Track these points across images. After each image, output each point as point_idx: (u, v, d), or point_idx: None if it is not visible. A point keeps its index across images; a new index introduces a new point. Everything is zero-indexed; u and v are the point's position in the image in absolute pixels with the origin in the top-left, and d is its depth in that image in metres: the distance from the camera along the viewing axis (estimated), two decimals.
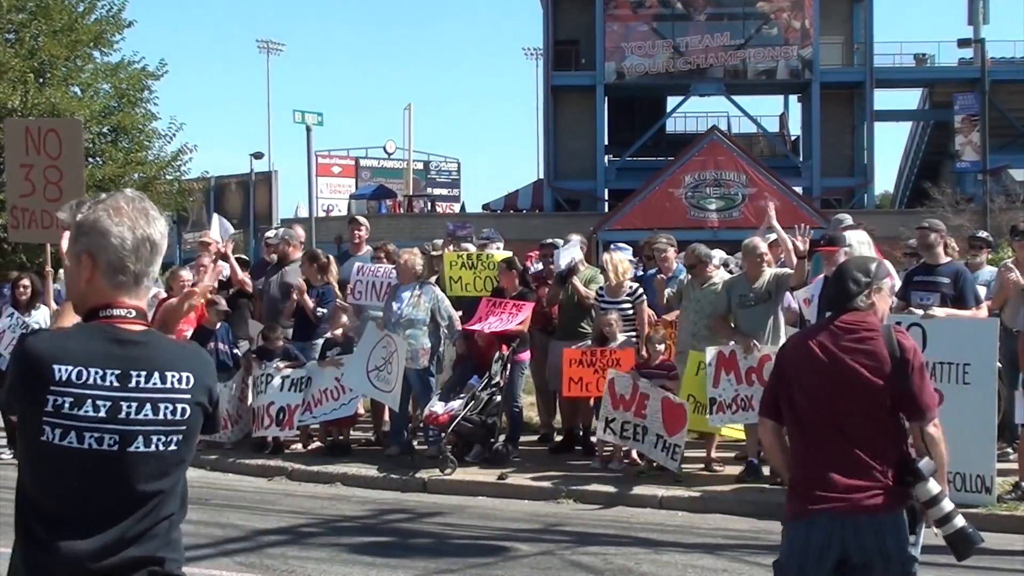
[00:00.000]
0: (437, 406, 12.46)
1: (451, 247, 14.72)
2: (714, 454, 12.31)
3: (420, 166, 72.86)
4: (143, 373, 3.27)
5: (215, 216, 17.91)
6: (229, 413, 13.82)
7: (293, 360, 13.67)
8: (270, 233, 15.95)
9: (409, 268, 12.96)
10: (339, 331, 13.58)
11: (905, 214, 46.36)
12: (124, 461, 3.24)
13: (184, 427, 3.31)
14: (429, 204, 63.93)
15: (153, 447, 3.26)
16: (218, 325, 13.91)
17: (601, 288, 12.98)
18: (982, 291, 11.87)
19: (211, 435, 13.29)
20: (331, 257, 14.54)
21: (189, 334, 13.96)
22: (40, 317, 13.59)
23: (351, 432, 14.06)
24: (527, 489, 11.79)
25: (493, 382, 12.59)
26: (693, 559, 9.16)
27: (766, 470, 11.47)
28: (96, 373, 3.22)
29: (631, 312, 12.79)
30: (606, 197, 57.34)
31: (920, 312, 10.70)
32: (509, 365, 12.77)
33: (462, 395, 12.57)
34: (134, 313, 3.35)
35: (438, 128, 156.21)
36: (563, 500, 11.43)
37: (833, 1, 56.80)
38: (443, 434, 12.40)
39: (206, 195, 62.87)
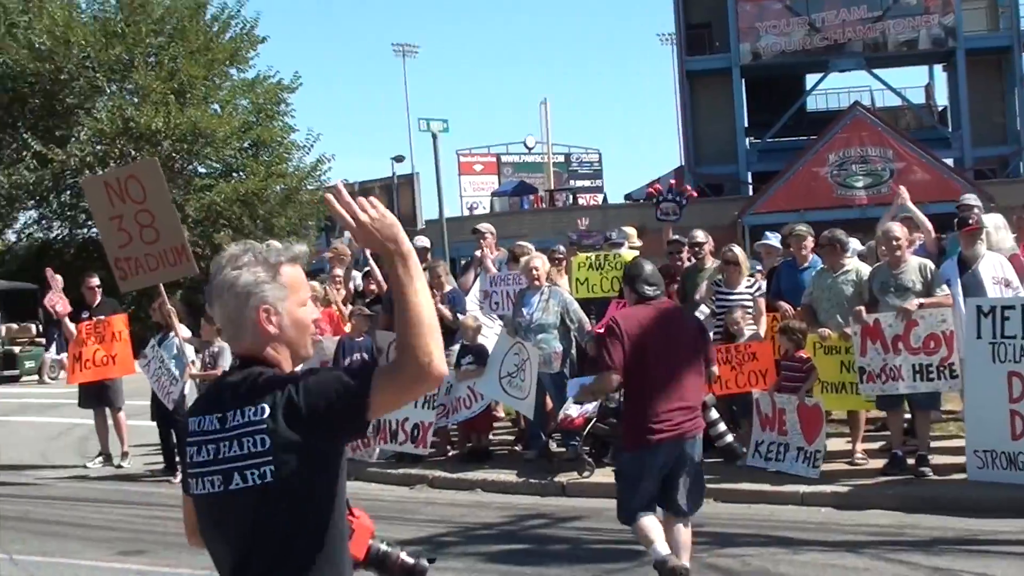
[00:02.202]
0: (572, 409, 12.38)
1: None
2: (859, 446, 11.99)
3: (561, 159, 72.82)
4: (234, 412, 3.34)
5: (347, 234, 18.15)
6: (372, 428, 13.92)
7: None
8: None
9: (533, 273, 12.90)
10: (471, 335, 13.57)
11: None
12: (230, 500, 3.33)
13: (270, 456, 3.27)
14: (571, 197, 63.86)
15: (249, 482, 3.29)
16: (362, 336, 14.01)
17: (718, 281, 12.77)
18: None
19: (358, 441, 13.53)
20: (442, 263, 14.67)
21: (330, 344, 14.15)
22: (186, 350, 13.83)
23: (490, 436, 14.12)
24: None
25: None
26: (833, 558, 8.95)
27: (911, 461, 11.19)
28: (205, 420, 3.39)
29: (750, 305, 12.58)
30: (749, 180, 56.55)
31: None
32: None
33: None
34: (238, 362, 3.50)
35: (578, 119, 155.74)
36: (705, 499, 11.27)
37: None
38: (579, 437, 12.33)
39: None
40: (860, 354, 11.38)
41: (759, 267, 13.92)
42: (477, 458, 13.50)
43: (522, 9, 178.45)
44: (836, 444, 12.20)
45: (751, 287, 12.68)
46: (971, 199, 13.30)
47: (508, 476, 12.65)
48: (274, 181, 34.84)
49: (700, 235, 13.34)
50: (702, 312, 12.62)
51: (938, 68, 60.53)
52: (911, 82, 61.94)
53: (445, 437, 14.08)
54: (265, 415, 3.28)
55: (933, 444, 11.73)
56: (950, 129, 56.74)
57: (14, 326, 30.68)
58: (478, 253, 14.98)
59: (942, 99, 61.01)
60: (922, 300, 11.16)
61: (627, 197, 61.01)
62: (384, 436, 13.74)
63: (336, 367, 12.99)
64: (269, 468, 3.26)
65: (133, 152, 32.97)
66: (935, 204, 13.45)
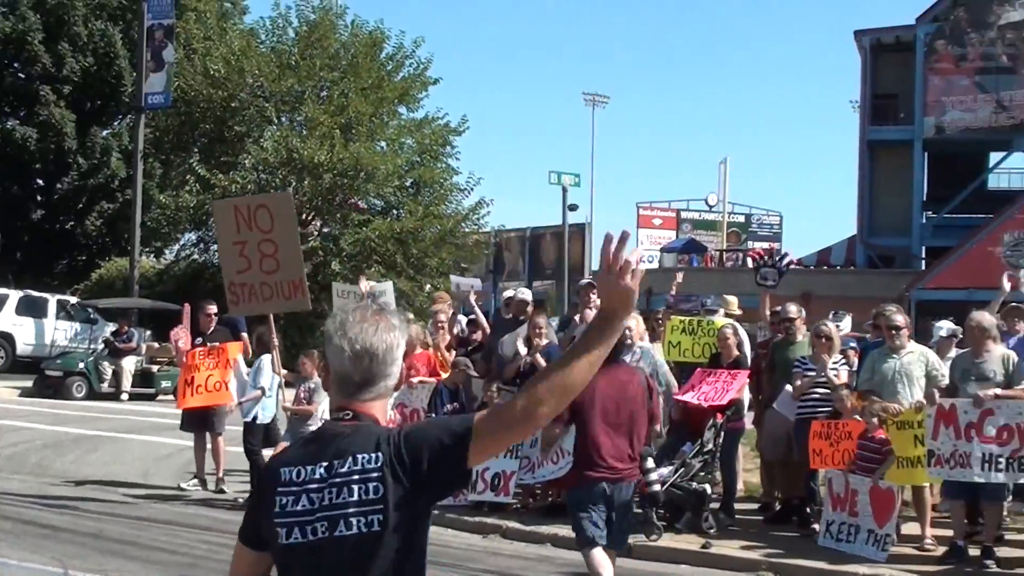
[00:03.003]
0: (651, 474, 12.38)
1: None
2: (928, 531, 11.72)
3: (741, 219, 72.40)
4: (343, 460, 3.40)
5: (453, 278, 18.53)
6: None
7: None
8: (508, 292, 16.22)
9: (625, 332, 12.97)
10: None
11: None
12: (333, 547, 3.38)
13: (381, 505, 3.36)
14: (741, 258, 63.39)
15: (355, 529, 3.36)
16: (458, 386, 14.17)
17: (803, 356, 12.68)
18: None
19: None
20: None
21: (422, 390, 14.35)
22: (264, 378, 14.35)
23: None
24: (729, 559, 11.64)
25: (705, 449, 12.47)
26: None
27: (973, 551, 10.95)
28: (307, 470, 3.43)
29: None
30: (923, 255, 55.27)
31: None
32: (723, 433, 12.63)
33: (674, 461, 12.48)
34: (350, 415, 3.49)
35: (759, 180, 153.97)
36: (763, 573, 11.20)
37: None
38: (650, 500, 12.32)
39: (522, 245, 64.51)
40: (932, 437, 11.20)
41: (853, 344, 13.79)
42: (556, 512, 13.55)
43: (715, 66, 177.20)
44: (911, 528, 11.99)
45: (836, 363, 12.56)
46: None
47: None
48: (430, 222, 35.32)
49: (793, 310, 13.25)
50: (786, 396, 12.62)
51: None
52: None
53: (528, 489, 14.18)
54: (379, 463, 3.36)
55: (1009, 537, 11.46)
56: None
57: (155, 345, 31.60)
58: (578, 318, 15.07)
59: None
60: (999, 391, 10.97)
61: (798, 262, 60.10)
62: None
63: (436, 416, 13.24)
64: (377, 517, 3.34)
65: (294, 183, 33.80)
66: None
